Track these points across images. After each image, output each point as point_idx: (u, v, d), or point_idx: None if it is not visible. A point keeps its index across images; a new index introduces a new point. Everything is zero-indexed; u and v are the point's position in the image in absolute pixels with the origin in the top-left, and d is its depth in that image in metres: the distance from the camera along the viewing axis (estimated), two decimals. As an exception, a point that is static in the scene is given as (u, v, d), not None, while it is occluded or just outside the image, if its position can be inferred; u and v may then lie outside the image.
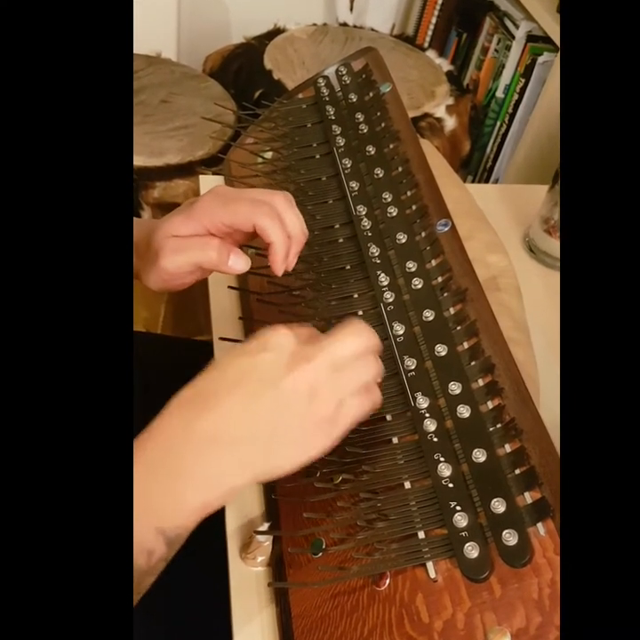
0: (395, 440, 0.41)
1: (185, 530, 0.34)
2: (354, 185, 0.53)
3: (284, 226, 0.42)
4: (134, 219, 0.45)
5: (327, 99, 0.60)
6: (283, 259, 0.43)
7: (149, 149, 0.95)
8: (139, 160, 0.93)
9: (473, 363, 0.42)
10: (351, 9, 1.61)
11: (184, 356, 0.69)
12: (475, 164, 1.48)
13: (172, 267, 0.42)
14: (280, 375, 0.34)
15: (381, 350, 0.38)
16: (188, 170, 0.94)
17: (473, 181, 1.49)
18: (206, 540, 0.47)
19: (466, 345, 0.43)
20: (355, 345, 0.36)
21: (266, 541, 0.42)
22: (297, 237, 0.43)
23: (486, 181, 1.46)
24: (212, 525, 0.45)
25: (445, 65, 1.30)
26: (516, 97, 1.34)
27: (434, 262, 0.47)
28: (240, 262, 0.42)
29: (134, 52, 1.15)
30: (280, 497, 0.43)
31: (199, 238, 0.42)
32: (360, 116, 0.58)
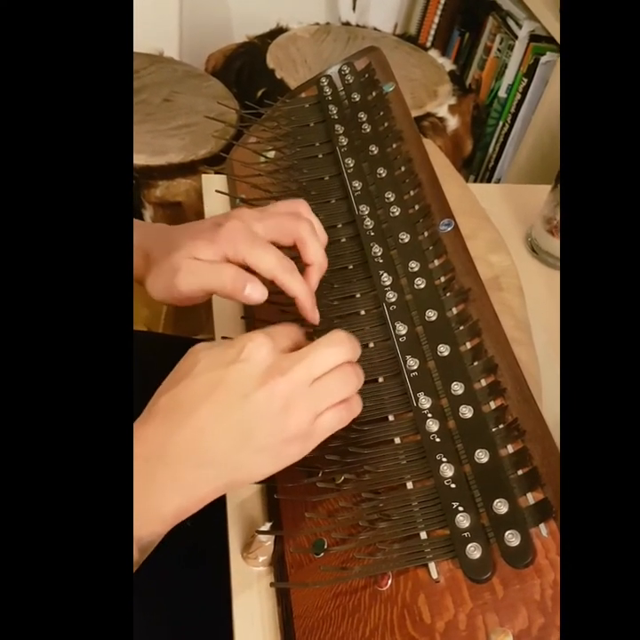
0: (397, 440, 0.41)
1: (157, 536, 0.34)
2: (356, 184, 0.53)
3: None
4: (149, 223, 0.45)
5: (330, 98, 0.60)
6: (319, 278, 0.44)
7: (151, 148, 0.95)
8: (141, 159, 0.93)
9: (475, 363, 0.42)
10: (354, 8, 1.61)
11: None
12: (477, 164, 1.47)
13: (185, 288, 0.41)
14: (253, 388, 0.34)
15: (359, 357, 0.38)
16: (190, 169, 0.94)
17: (475, 181, 1.49)
18: (208, 540, 0.47)
19: (468, 345, 0.43)
20: (333, 357, 0.36)
21: (267, 541, 0.42)
22: (324, 241, 0.45)
23: (488, 181, 1.46)
24: (214, 525, 0.45)
25: (448, 64, 1.30)
26: (518, 97, 1.34)
27: (436, 262, 0.47)
28: (257, 291, 0.41)
29: (136, 50, 1.15)
30: (282, 497, 0.43)
31: (216, 264, 0.41)
32: (363, 116, 0.58)
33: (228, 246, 0.41)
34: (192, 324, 0.97)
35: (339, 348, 0.36)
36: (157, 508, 0.33)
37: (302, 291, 0.42)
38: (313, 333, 0.43)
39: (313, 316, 0.43)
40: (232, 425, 0.34)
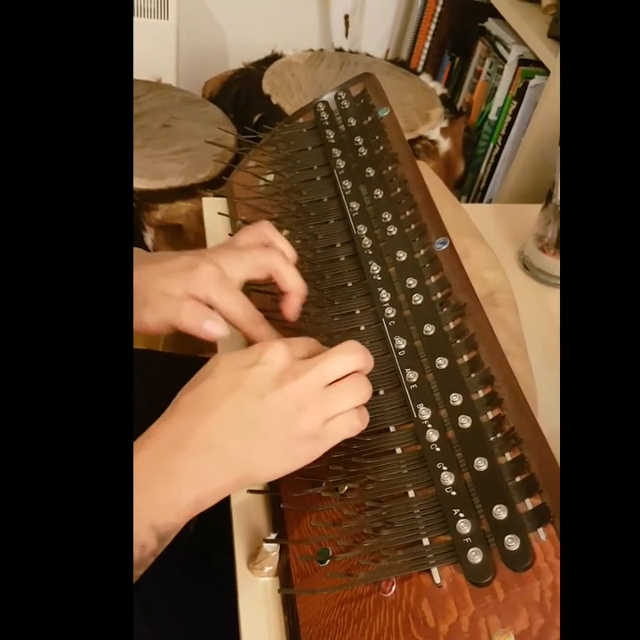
0: (398, 450, 0.42)
1: (175, 527, 0.36)
2: (354, 205, 0.55)
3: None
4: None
5: (327, 123, 0.62)
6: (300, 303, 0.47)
7: (151, 172, 0.97)
8: (141, 183, 0.95)
9: (473, 375, 0.43)
10: (346, 35, 1.65)
11: (189, 374, 0.70)
12: (469, 185, 1.50)
13: (150, 322, 0.43)
14: (269, 389, 0.36)
15: (372, 368, 0.40)
16: (189, 192, 0.96)
17: (467, 201, 1.52)
18: (214, 552, 0.48)
19: (465, 358, 0.44)
20: (346, 365, 0.38)
21: (273, 551, 0.43)
22: (294, 259, 0.47)
23: (480, 201, 1.49)
24: (220, 536, 0.46)
25: (439, 88, 1.33)
26: (508, 119, 1.37)
27: (433, 279, 0.49)
28: (216, 327, 0.43)
29: (135, 77, 1.18)
30: (287, 506, 0.44)
31: (176, 300, 0.42)
32: (359, 140, 0.60)
33: (199, 290, 0.43)
34: (192, 344, 0.98)
35: (351, 356, 0.38)
36: (175, 497, 0.35)
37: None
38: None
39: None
40: (247, 422, 0.36)
